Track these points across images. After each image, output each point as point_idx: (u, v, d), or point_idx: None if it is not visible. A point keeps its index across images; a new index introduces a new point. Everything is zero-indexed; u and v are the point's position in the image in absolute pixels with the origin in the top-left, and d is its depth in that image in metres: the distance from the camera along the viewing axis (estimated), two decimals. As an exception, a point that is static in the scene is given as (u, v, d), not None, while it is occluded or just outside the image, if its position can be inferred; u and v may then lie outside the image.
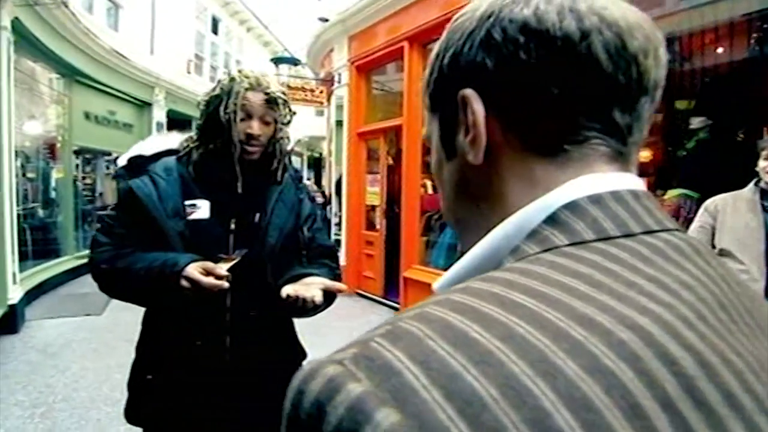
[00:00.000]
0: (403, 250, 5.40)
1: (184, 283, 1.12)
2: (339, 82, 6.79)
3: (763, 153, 2.09)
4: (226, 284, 1.14)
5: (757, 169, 2.12)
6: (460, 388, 0.22)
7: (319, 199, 7.58)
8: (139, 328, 1.33)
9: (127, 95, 8.32)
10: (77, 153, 7.58)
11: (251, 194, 1.29)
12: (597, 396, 0.22)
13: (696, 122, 3.58)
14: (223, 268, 1.15)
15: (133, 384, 1.31)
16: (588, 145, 0.34)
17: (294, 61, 9.29)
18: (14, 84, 4.76)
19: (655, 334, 0.25)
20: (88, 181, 8.21)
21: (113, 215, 1.28)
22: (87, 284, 5.94)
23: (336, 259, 1.43)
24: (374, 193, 6.15)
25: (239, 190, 1.27)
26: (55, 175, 7.08)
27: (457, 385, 0.22)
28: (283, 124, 1.31)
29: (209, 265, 1.15)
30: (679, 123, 3.65)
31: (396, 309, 5.41)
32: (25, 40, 5.27)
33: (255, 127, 1.24)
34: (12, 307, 4.46)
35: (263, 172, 1.31)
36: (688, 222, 2.83)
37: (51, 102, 6.83)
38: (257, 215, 1.29)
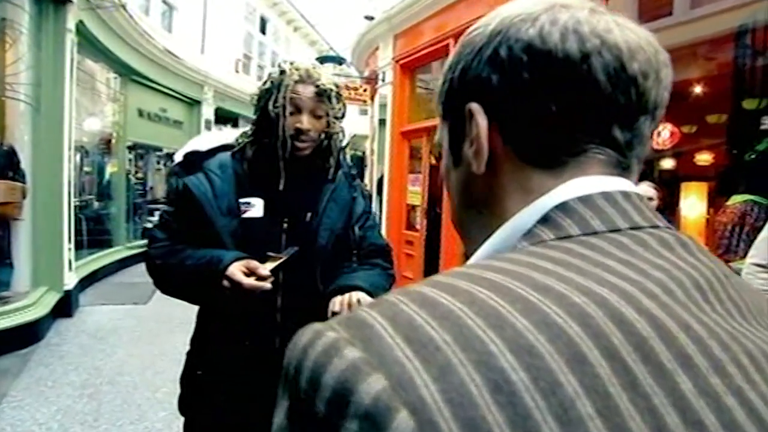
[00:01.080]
0: (443, 251, 5.31)
1: (225, 282, 1.09)
2: (383, 80, 6.77)
3: None
4: (268, 285, 1.09)
5: None
6: (419, 335, 0.25)
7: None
8: (179, 319, 1.33)
9: (178, 93, 8.64)
10: (130, 148, 7.95)
11: (303, 192, 1.24)
12: (541, 344, 0.25)
13: (768, 122, 3.31)
14: (266, 268, 1.11)
15: (185, 378, 1.31)
16: (584, 154, 0.36)
17: (339, 60, 9.38)
18: (76, 83, 5.01)
19: (610, 300, 0.27)
20: (139, 175, 8.60)
21: (170, 211, 1.26)
22: (136, 274, 6.22)
23: (389, 259, 1.36)
24: (416, 193, 6.08)
25: (287, 188, 1.22)
26: (109, 169, 7.46)
27: (417, 333, 0.25)
28: (336, 118, 1.25)
29: (253, 264, 1.11)
30: (747, 123, 3.39)
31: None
32: (87, 42, 5.53)
33: (305, 121, 1.19)
34: (67, 292, 4.68)
35: (315, 169, 1.26)
36: (755, 231, 2.60)
37: (108, 100, 7.17)
38: (308, 214, 1.24)
